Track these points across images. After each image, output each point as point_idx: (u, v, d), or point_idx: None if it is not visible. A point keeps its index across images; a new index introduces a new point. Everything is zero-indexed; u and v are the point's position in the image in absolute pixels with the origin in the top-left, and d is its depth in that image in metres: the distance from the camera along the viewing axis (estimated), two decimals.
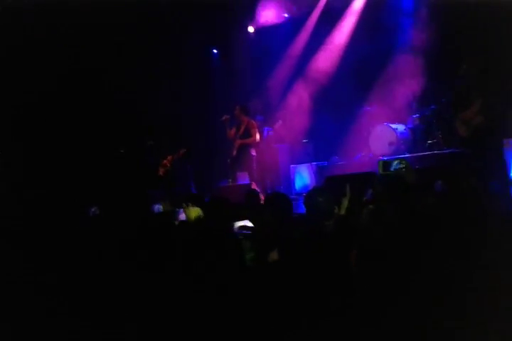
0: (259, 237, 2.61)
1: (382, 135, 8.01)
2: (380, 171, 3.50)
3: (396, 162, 3.42)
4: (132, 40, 8.89)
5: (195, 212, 2.95)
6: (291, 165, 8.76)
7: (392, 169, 3.41)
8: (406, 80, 8.18)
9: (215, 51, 10.93)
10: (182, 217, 3.00)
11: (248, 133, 7.58)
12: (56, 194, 6.66)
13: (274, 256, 2.49)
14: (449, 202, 2.91)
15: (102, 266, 2.41)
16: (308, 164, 8.58)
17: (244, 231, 2.74)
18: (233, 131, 7.74)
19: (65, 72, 8.35)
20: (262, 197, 5.72)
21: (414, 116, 8.12)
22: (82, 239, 2.80)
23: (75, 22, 8.05)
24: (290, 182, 8.60)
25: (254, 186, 6.97)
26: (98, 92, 8.80)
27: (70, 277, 2.38)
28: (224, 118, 7.77)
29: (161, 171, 8.49)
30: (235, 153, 7.65)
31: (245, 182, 7.37)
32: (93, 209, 3.87)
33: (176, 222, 2.82)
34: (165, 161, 8.56)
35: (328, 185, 5.60)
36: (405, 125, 8.13)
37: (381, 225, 2.77)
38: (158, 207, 4.08)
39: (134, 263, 2.23)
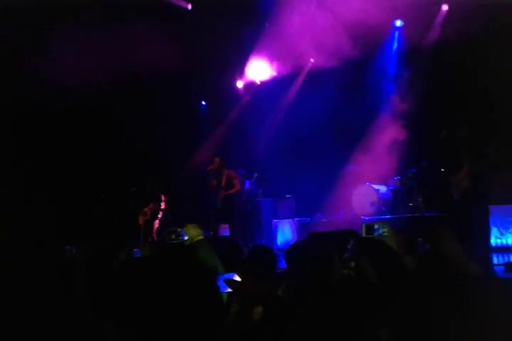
0: (244, 292, 2.53)
1: (364, 195, 8.12)
2: (364, 234, 3.52)
3: (378, 226, 3.44)
4: (128, 87, 9.11)
5: (196, 231, 2.86)
6: (274, 220, 8.73)
7: (375, 233, 3.44)
8: (388, 142, 8.43)
9: (203, 103, 11.20)
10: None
11: (230, 185, 7.61)
12: (36, 231, 6.57)
13: (258, 311, 2.41)
14: (430, 262, 2.92)
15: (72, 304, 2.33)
16: (291, 220, 8.56)
17: (227, 287, 2.66)
18: (214, 182, 7.76)
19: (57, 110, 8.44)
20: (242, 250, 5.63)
21: (395, 179, 8.28)
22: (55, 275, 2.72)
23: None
24: (272, 236, 8.53)
25: (235, 239, 6.88)
26: (88, 135, 8.86)
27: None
28: (210, 168, 7.82)
29: (140, 219, 8.36)
30: (219, 205, 7.61)
31: (226, 235, 7.28)
32: (69, 248, 3.78)
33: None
34: (145, 209, 8.45)
35: (310, 242, 5.56)
36: (387, 186, 8.27)
37: (361, 286, 2.75)
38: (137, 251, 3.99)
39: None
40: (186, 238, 2.83)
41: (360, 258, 3.14)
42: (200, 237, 2.87)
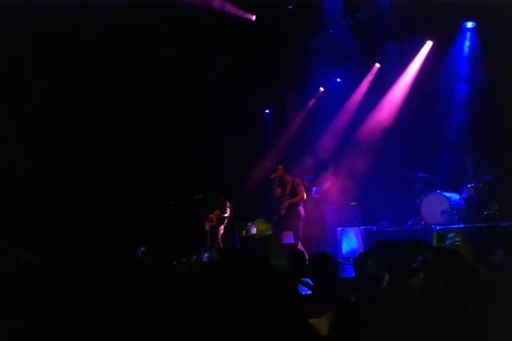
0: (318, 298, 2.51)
1: (434, 203, 7.80)
2: (435, 243, 3.39)
3: (451, 234, 3.29)
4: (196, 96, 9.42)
5: (264, 226, 2.89)
6: (339, 228, 8.59)
7: (447, 242, 3.29)
8: (460, 149, 8.09)
9: (267, 111, 11.31)
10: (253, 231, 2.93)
11: (295, 192, 7.57)
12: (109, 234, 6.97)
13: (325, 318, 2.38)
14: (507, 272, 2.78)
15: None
16: (357, 228, 8.39)
17: (305, 289, 2.66)
18: (279, 190, 7.75)
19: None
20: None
21: (468, 186, 7.91)
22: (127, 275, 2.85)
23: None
24: (337, 245, 8.39)
25: (299, 246, 6.84)
26: (158, 143, 9.23)
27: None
28: (273, 175, 7.83)
29: (207, 225, 8.54)
30: (283, 212, 7.59)
31: (290, 242, 7.25)
32: (142, 250, 3.96)
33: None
34: (211, 216, 8.62)
35: (377, 250, 5.43)
36: (459, 194, 7.91)
37: (431, 294, 2.67)
38: (208, 256, 4.09)
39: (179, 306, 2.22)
40: (255, 232, 2.86)
41: (430, 267, 3.03)
42: (269, 232, 2.89)
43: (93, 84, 8.32)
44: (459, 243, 3.26)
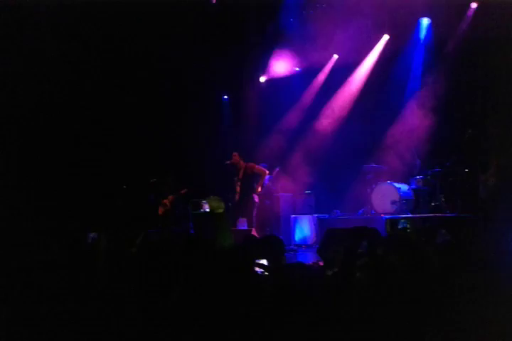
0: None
1: (385, 193, 8.03)
2: (388, 229, 3.50)
3: (403, 220, 3.42)
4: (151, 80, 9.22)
5: (217, 203, 2.89)
6: (292, 216, 8.70)
7: (399, 227, 3.42)
8: (411, 140, 8.32)
9: (225, 97, 11.22)
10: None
11: (249, 177, 7.63)
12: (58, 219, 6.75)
13: None
14: (451, 250, 2.92)
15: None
16: (310, 216, 8.52)
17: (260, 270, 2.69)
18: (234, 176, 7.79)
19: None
20: None
21: (417, 177, 8.17)
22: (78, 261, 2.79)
23: None
24: (290, 232, 8.50)
25: (253, 232, 6.88)
26: (111, 127, 9.00)
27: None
28: (228, 162, 7.84)
29: (160, 210, 8.44)
30: (237, 198, 7.63)
31: (244, 228, 7.29)
32: (92, 235, 3.86)
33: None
34: (165, 200, 8.52)
35: (328, 237, 5.54)
36: (408, 185, 8.16)
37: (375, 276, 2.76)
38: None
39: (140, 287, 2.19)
40: (208, 210, 2.87)
41: (375, 251, 3.13)
42: (221, 210, 2.90)
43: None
44: (409, 229, 3.38)
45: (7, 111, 7.70)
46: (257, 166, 7.83)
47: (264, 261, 2.86)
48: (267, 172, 8.03)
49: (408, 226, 3.25)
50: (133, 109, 9.23)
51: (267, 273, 2.63)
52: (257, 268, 2.67)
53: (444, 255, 2.56)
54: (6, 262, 2.81)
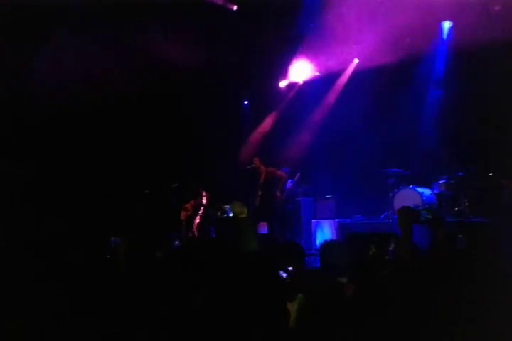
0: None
1: (407, 197, 7.94)
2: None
3: (423, 211, 3.40)
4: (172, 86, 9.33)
5: (240, 209, 2.91)
6: (313, 220, 8.68)
7: (421, 219, 3.39)
8: (434, 145, 8.24)
9: (246, 102, 11.29)
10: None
11: (270, 181, 7.66)
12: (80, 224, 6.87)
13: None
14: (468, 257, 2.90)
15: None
16: (331, 220, 8.49)
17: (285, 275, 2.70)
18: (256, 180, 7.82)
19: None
20: None
21: (440, 182, 8.07)
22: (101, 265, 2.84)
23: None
24: (311, 237, 8.48)
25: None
26: (134, 132, 9.14)
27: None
28: (249, 166, 7.87)
29: (182, 215, 8.52)
30: (258, 203, 7.66)
31: (264, 232, 7.31)
32: (114, 240, 3.93)
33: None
34: (187, 205, 8.60)
35: (349, 242, 5.51)
36: (431, 190, 8.07)
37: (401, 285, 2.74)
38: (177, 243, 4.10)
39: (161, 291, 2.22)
40: (231, 214, 2.89)
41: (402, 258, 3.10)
42: (244, 215, 2.92)
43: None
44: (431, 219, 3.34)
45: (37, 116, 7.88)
46: (277, 171, 7.86)
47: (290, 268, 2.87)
48: (287, 176, 8.05)
49: (430, 216, 3.22)
50: (156, 115, 9.38)
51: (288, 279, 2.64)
52: (282, 273, 2.68)
53: (463, 261, 2.54)
54: (31, 267, 2.88)
